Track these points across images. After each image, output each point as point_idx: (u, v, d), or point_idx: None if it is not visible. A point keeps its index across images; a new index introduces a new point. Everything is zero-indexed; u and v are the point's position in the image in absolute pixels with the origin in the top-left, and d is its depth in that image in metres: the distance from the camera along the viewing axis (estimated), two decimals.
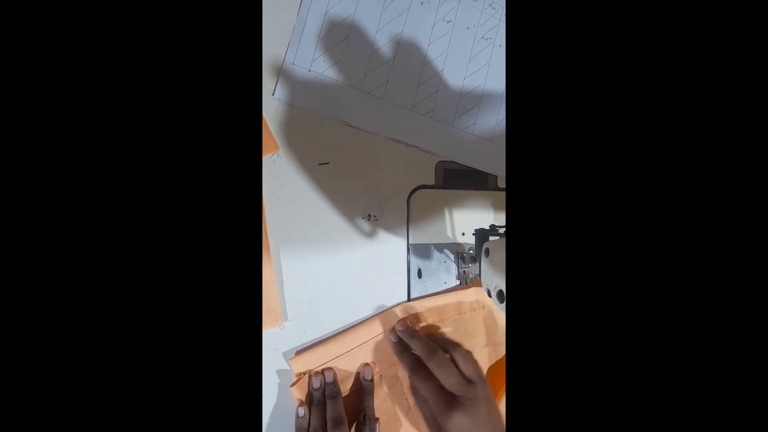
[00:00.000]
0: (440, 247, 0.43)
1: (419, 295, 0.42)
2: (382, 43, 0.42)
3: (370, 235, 0.42)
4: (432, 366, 0.34)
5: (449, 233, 0.44)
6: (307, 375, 0.37)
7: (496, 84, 0.44)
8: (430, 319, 0.41)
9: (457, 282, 0.43)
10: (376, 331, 0.39)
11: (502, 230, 0.37)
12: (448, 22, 0.43)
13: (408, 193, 0.43)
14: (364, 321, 0.40)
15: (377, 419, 0.37)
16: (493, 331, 0.43)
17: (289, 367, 0.38)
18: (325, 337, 0.39)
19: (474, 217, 0.44)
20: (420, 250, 0.43)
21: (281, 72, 0.40)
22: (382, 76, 0.42)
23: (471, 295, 0.42)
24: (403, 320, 0.40)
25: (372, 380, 0.38)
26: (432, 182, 0.43)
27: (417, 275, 0.42)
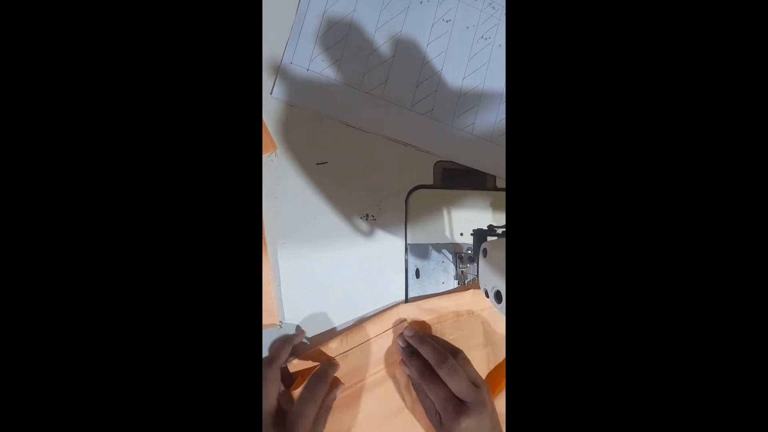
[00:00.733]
0: (438, 247, 0.43)
1: (417, 295, 0.42)
2: (381, 42, 0.42)
3: (368, 234, 0.41)
4: (443, 373, 0.35)
5: (447, 233, 0.44)
6: (300, 380, 0.37)
7: (496, 84, 0.44)
8: (430, 322, 0.41)
9: (455, 282, 0.43)
10: (374, 331, 0.39)
11: (500, 230, 0.37)
12: (447, 21, 0.43)
13: (406, 193, 0.42)
14: (363, 321, 0.40)
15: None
16: (490, 334, 0.43)
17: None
18: (321, 332, 0.39)
19: (472, 217, 0.44)
20: (418, 250, 0.43)
21: (279, 71, 0.40)
22: (381, 75, 0.42)
23: (468, 297, 0.42)
24: (410, 325, 0.40)
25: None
26: (430, 182, 0.43)
27: (415, 275, 0.42)
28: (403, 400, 0.39)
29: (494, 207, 0.45)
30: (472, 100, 0.44)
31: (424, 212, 0.43)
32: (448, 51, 0.43)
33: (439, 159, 0.43)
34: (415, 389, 0.38)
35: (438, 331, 0.41)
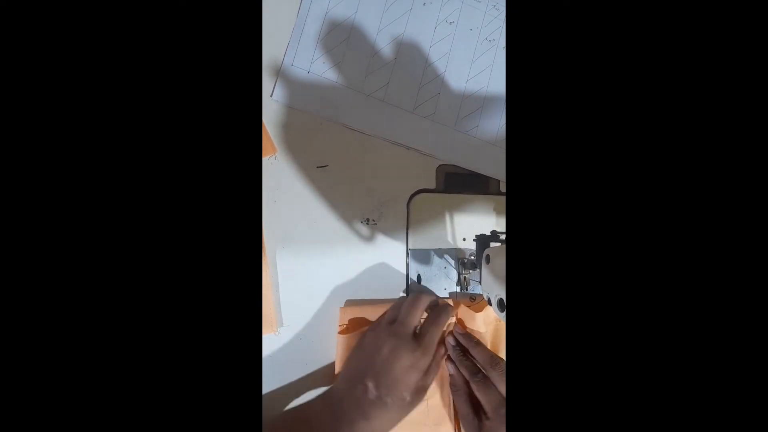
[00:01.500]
0: (440, 253, 0.42)
1: None
2: (383, 44, 0.41)
3: (369, 239, 0.41)
4: (495, 374, 0.35)
5: (450, 238, 0.43)
6: (355, 324, 0.37)
7: (499, 87, 0.44)
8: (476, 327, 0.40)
9: (458, 288, 0.42)
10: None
11: (503, 236, 0.36)
12: (450, 23, 0.42)
13: (408, 197, 0.42)
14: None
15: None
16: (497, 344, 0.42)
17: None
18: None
19: (475, 222, 0.43)
20: (420, 255, 0.42)
21: (280, 73, 0.40)
22: (383, 78, 0.41)
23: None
24: (459, 324, 0.39)
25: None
26: (432, 186, 0.43)
27: (416, 280, 0.41)
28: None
29: (497, 212, 0.44)
30: (476, 102, 0.43)
31: (426, 217, 0.42)
32: (451, 53, 0.43)
33: (441, 163, 0.43)
34: (454, 390, 0.37)
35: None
